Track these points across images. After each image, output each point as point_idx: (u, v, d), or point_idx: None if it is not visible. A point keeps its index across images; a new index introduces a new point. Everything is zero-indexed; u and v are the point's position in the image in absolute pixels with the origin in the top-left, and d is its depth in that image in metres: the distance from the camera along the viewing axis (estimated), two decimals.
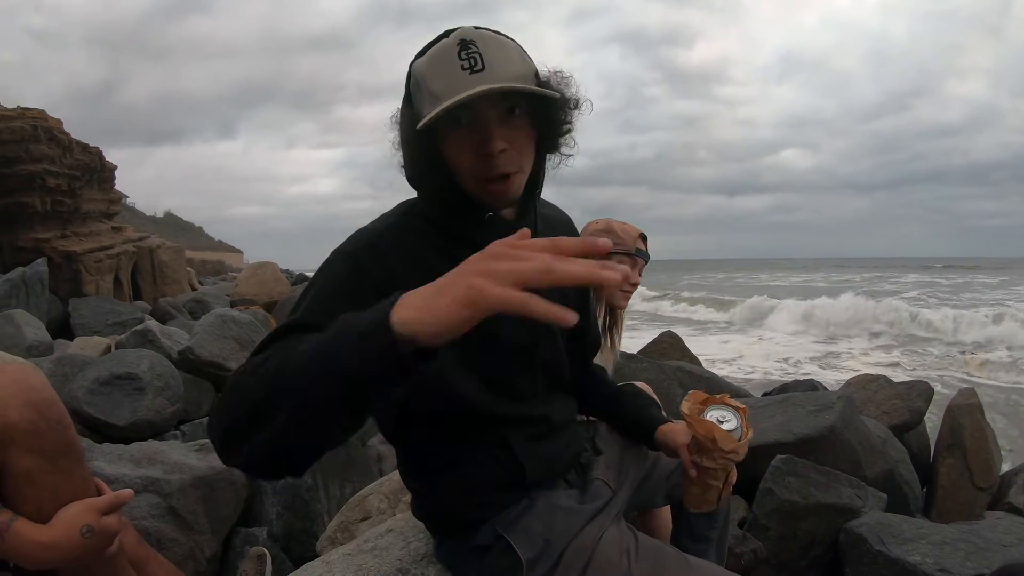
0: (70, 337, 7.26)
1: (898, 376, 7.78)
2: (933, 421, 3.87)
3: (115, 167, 13.67)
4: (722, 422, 1.23)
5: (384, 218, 1.17)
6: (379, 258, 1.07)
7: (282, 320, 1.05)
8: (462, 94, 0.99)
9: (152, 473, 2.36)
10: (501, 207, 1.13)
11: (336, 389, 0.71)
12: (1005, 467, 3.57)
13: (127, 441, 2.83)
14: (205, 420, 4.08)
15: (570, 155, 1.18)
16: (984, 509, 3.15)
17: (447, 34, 1.07)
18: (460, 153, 1.07)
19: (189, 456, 2.57)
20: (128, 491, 1.14)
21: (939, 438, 3.43)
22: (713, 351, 13.36)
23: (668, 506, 1.65)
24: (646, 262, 2.15)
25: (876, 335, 15.72)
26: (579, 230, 1.52)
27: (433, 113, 1.00)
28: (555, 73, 1.11)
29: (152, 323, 5.91)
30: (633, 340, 5.76)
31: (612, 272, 0.65)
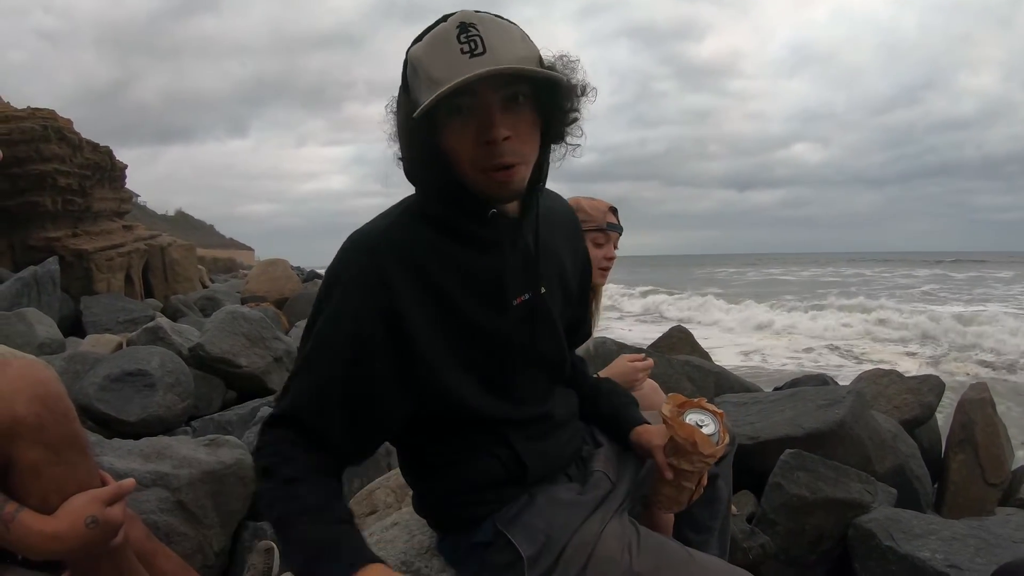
0: (82, 335, 7.32)
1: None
2: (945, 415, 3.85)
3: (126, 166, 13.77)
4: (701, 426, 1.23)
5: (384, 217, 1.13)
6: (381, 281, 1.04)
7: (283, 385, 1.14)
8: (462, 77, 0.95)
9: (161, 468, 2.37)
10: (504, 200, 1.09)
11: None
12: (1019, 459, 3.55)
13: (137, 437, 2.85)
14: (216, 416, 4.12)
15: (577, 145, 1.13)
16: (995, 505, 3.13)
17: (445, 18, 1.02)
18: (460, 142, 1.02)
19: (198, 451, 2.58)
20: (130, 480, 1.14)
21: (950, 433, 3.41)
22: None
23: None
24: (620, 234, 2.14)
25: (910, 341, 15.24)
26: None
27: (432, 98, 0.96)
28: (560, 58, 1.06)
29: (163, 320, 5.95)
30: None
31: None
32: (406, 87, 1.07)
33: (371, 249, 1.06)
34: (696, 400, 1.29)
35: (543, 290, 1.19)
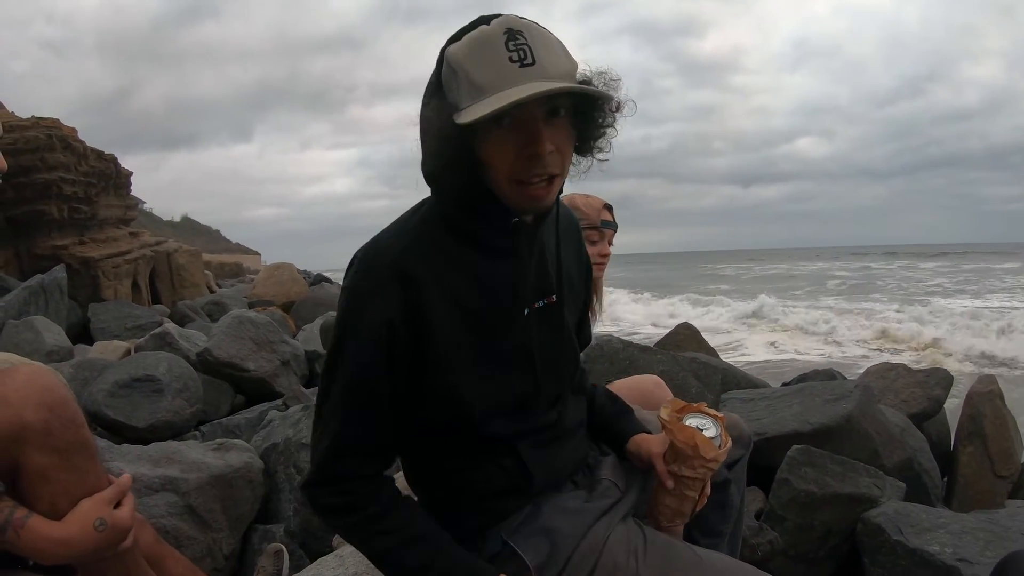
0: (90, 342, 7.35)
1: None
2: (953, 408, 3.82)
3: (131, 173, 13.85)
4: (703, 429, 1.18)
5: (400, 227, 1.12)
6: (399, 291, 1.04)
7: (317, 398, 1.15)
8: (521, 90, 0.93)
9: (170, 472, 2.39)
10: (535, 211, 1.09)
11: None
12: None
13: (146, 442, 2.86)
14: (224, 420, 4.14)
15: (606, 159, 1.12)
16: (1005, 497, 3.11)
17: (486, 20, 1.00)
18: (501, 153, 1.00)
19: (207, 455, 2.60)
20: (127, 476, 1.15)
21: (959, 426, 3.39)
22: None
23: None
24: (614, 231, 2.15)
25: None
26: None
27: (491, 109, 0.93)
28: (601, 75, 1.04)
29: (170, 326, 5.98)
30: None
31: None
32: (439, 87, 1.03)
33: (391, 262, 1.05)
34: (696, 405, 1.25)
35: (555, 297, 1.18)
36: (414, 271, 1.04)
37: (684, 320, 5.81)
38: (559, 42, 1.02)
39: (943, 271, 39.38)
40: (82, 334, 8.45)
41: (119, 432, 3.64)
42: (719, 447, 1.17)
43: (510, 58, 0.95)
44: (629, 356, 3.32)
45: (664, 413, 1.21)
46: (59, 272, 8.43)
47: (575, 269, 1.29)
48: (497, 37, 0.97)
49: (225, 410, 4.54)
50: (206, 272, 16.76)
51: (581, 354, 1.33)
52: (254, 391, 4.74)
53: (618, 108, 1.08)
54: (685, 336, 5.05)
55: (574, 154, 1.09)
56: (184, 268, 13.79)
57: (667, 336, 5.11)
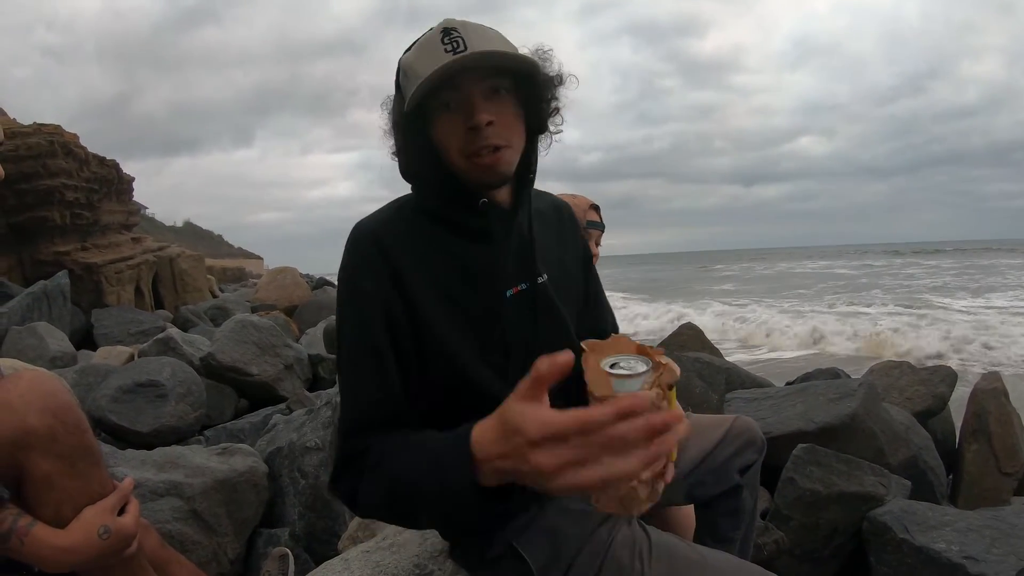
0: (93, 347, 7.37)
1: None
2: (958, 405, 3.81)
3: (132, 178, 13.88)
4: (623, 372, 0.84)
5: (382, 211, 1.19)
6: (386, 262, 1.09)
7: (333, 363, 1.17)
8: (444, 68, 1.01)
9: (174, 477, 2.39)
10: (493, 185, 1.13)
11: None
12: None
13: (151, 447, 2.87)
14: (228, 424, 4.14)
15: (558, 131, 1.19)
16: (1011, 495, 3.10)
17: (432, 29, 1.10)
18: (449, 133, 1.09)
19: (211, 460, 2.60)
20: (129, 479, 1.15)
21: (964, 423, 3.38)
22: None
23: (691, 505, 1.59)
24: (602, 231, 2.15)
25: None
26: None
27: (417, 87, 1.03)
28: (535, 51, 1.13)
29: (174, 331, 5.99)
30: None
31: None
32: (399, 91, 1.14)
33: (374, 234, 1.11)
34: (648, 347, 0.91)
35: (542, 279, 1.19)
36: (391, 242, 1.10)
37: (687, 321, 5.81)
38: (499, 34, 1.11)
39: (946, 268, 39.31)
40: (85, 340, 8.47)
41: (123, 437, 3.64)
42: (638, 389, 0.83)
43: (444, 50, 1.05)
44: None
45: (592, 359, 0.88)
46: (62, 278, 8.46)
47: (569, 255, 1.33)
48: (436, 36, 1.07)
49: (229, 414, 4.55)
50: (209, 277, 16.79)
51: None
52: (258, 395, 4.74)
53: (560, 81, 1.15)
54: (689, 336, 5.05)
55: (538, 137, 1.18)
56: (187, 273, 13.82)
57: (671, 336, 5.11)
